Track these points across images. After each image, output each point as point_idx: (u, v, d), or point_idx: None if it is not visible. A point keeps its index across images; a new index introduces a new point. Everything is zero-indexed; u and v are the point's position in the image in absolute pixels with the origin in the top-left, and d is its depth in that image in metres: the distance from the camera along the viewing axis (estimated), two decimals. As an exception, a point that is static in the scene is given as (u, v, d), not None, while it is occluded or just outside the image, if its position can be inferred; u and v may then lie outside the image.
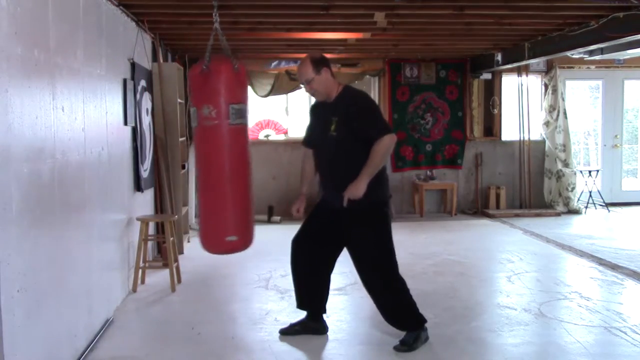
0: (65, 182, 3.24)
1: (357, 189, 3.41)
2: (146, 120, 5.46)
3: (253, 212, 3.42)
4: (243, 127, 3.26)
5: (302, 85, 3.71)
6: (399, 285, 3.61)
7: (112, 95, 4.37)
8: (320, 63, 3.56)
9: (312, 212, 3.83)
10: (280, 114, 8.98)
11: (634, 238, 7.08)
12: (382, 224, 3.56)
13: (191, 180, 7.72)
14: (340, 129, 3.53)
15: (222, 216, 3.29)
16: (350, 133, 3.50)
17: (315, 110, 3.82)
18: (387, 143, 3.45)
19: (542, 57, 7.04)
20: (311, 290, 3.84)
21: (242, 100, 3.25)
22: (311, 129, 3.84)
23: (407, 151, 8.88)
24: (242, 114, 3.23)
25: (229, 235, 3.29)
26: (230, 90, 3.20)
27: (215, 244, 3.37)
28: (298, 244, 3.80)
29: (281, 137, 8.99)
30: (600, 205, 9.07)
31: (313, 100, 3.86)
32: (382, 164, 3.52)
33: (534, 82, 9.20)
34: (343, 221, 3.58)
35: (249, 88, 8.65)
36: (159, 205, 5.91)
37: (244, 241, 3.38)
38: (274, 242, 7.01)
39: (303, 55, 3.76)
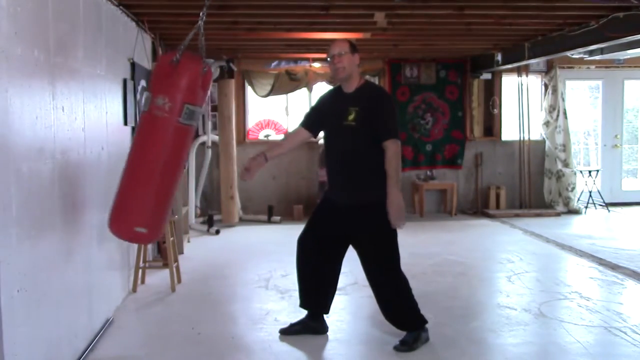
0: (65, 182, 3.24)
1: (397, 206, 3.44)
2: (146, 120, 5.45)
3: (169, 212, 3.45)
4: (190, 129, 3.26)
5: (328, 60, 3.65)
6: (403, 285, 3.62)
7: (112, 95, 4.37)
8: (355, 48, 3.62)
9: (317, 210, 3.83)
10: (280, 114, 8.99)
11: (634, 238, 7.08)
12: (388, 223, 3.56)
13: (191, 180, 7.73)
14: (360, 120, 3.52)
15: (141, 206, 3.26)
16: (370, 126, 3.52)
17: (329, 98, 3.78)
18: (396, 149, 3.51)
19: (542, 57, 7.05)
20: (315, 289, 3.84)
21: (199, 103, 3.24)
22: (319, 114, 3.79)
23: (407, 151, 8.88)
24: (194, 116, 3.22)
25: (139, 226, 3.25)
26: (190, 90, 3.18)
27: (122, 229, 3.32)
28: (303, 243, 3.79)
29: (281, 137, 8.99)
30: (600, 205, 9.08)
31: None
32: (400, 167, 3.57)
33: (534, 82, 9.20)
34: (349, 219, 3.57)
35: (249, 88, 8.69)
36: (159, 205, 5.90)
37: (150, 236, 3.37)
38: (274, 242, 7.03)
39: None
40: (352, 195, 3.55)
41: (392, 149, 3.50)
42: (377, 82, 8.86)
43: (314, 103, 3.94)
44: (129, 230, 3.30)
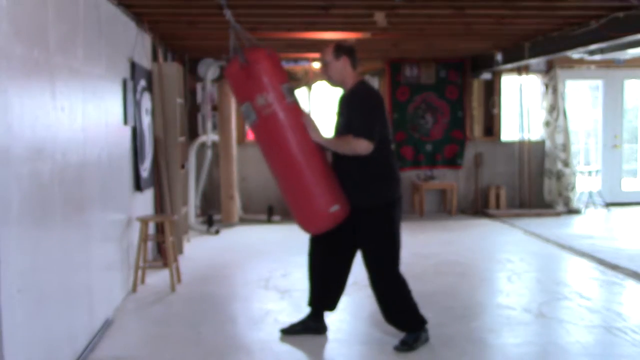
0: (65, 182, 3.24)
1: (313, 131, 3.42)
2: (146, 120, 5.46)
3: (335, 179, 3.50)
4: (297, 104, 3.43)
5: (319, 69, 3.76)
6: (401, 286, 3.62)
7: (112, 95, 4.37)
8: (342, 50, 3.58)
9: None
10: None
11: (634, 238, 7.08)
12: (387, 226, 3.55)
13: (191, 180, 7.73)
14: (344, 123, 3.54)
15: (318, 191, 3.36)
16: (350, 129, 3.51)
17: (339, 101, 3.79)
18: (357, 144, 3.41)
19: (542, 57, 7.04)
20: (326, 288, 3.84)
21: (287, 80, 3.43)
22: (336, 126, 3.80)
23: (407, 151, 8.88)
24: (292, 92, 3.41)
25: (331, 206, 3.36)
26: (275, 73, 3.34)
27: (320, 220, 3.41)
28: (315, 243, 3.79)
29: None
30: (600, 205, 9.07)
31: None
32: (334, 150, 3.50)
33: (534, 82, 9.20)
34: (352, 220, 3.57)
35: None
36: (159, 205, 5.91)
37: (345, 209, 3.45)
38: (274, 242, 7.03)
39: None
40: (350, 198, 3.55)
41: (351, 140, 3.41)
42: (377, 82, 8.87)
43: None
44: (327, 217, 3.38)
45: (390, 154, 3.63)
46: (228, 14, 3.47)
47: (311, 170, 3.38)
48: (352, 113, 3.51)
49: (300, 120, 3.42)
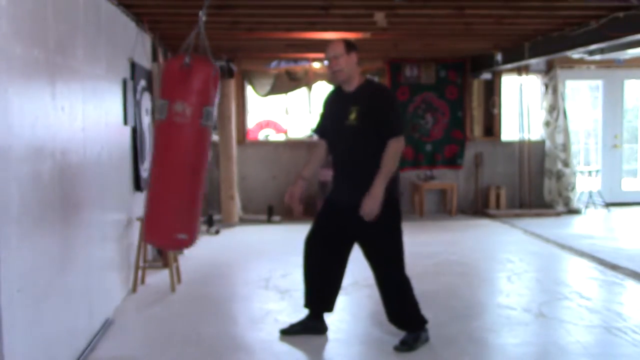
0: (65, 182, 3.24)
1: (375, 200, 3.40)
2: (146, 120, 5.46)
3: (200, 213, 3.50)
4: (209, 129, 3.35)
5: (325, 62, 3.71)
6: (406, 285, 3.62)
7: (112, 95, 4.37)
8: (351, 46, 3.59)
9: (322, 211, 3.82)
10: (280, 114, 8.99)
11: (634, 238, 7.08)
12: (392, 222, 3.56)
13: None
14: (361, 119, 3.51)
15: (178, 213, 3.32)
16: (372, 124, 3.50)
17: (331, 99, 3.78)
18: (397, 147, 3.49)
19: (542, 57, 7.04)
20: (321, 289, 3.83)
21: (214, 103, 3.32)
22: (325, 118, 3.79)
23: (407, 151, 8.85)
24: (211, 116, 3.32)
25: (180, 232, 3.33)
26: (207, 92, 3.25)
27: (163, 238, 3.40)
28: (311, 244, 3.78)
29: (281, 137, 8.99)
30: (600, 205, 9.08)
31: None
32: (395, 168, 3.52)
33: (534, 82, 9.20)
34: (355, 219, 3.55)
35: (249, 88, 8.70)
36: (159, 205, 5.90)
37: (190, 241, 3.43)
38: (274, 242, 7.03)
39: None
40: (357, 195, 3.53)
41: (393, 146, 3.48)
42: (377, 82, 8.87)
43: (320, 109, 3.92)
44: (169, 239, 3.36)
45: None
46: (202, 16, 3.45)
47: (186, 191, 3.33)
48: (386, 111, 3.52)
49: (203, 144, 3.34)
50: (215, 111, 3.36)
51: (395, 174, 3.60)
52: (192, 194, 3.35)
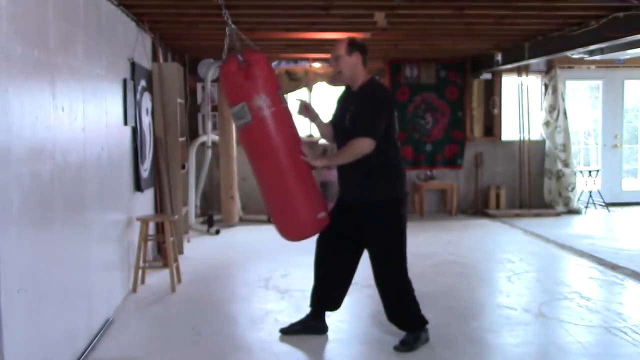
0: (65, 182, 3.24)
1: (313, 159, 3.46)
2: (146, 120, 5.46)
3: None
4: (289, 111, 3.48)
5: (330, 64, 3.76)
6: (407, 286, 3.62)
7: (112, 95, 4.37)
8: (355, 46, 3.57)
9: (333, 210, 3.82)
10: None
11: (634, 238, 7.08)
12: (395, 223, 3.55)
13: (191, 180, 7.73)
14: (352, 120, 3.51)
15: (309, 196, 3.41)
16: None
17: (341, 98, 3.76)
18: (359, 147, 3.41)
19: (542, 57, 7.04)
20: (330, 286, 3.84)
21: (280, 86, 3.47)
22: (334, 116, 3.77)
23: (407, 151, 8.87)
24: (285, 97, 3.46)
25: (318, 213, 3.41)
26: (273, 77, 3.40)
27: (307, 226, 3.43)
28: (322, 244, 3.79)
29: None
30: (600, 205, 9.07)
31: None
32: (346, 162, 3.50)
33: (534, 82, 9.20)
34: (358, 218, 3.56)
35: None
36: (159, 205, 5.91)
37: (329, 216, 3.51)
38: (274, 242, 6.99)
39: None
40: (358, 195, 3.55)
41: (354, 144, 3.42)
42: (377, 82, 8.87)
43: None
44: (313, 223, 3.41)
45: (396, 152, 3.64)
46: (226, 14, 3.47)
47: (300, 176, 3.38)
48: (360, 109, 3.48)
49: (292, 126, 3.46)
50: (283, 92, 3.48)
51: (400, 172, 3.60)
52: (307, 173, 3.43)
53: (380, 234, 3.56)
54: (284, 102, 3.40)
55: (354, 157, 3.45)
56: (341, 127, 3.60)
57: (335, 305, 3.89)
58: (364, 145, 3.41)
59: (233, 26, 3.44)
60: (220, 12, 3.56)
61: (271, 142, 3.33)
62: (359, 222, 3.58)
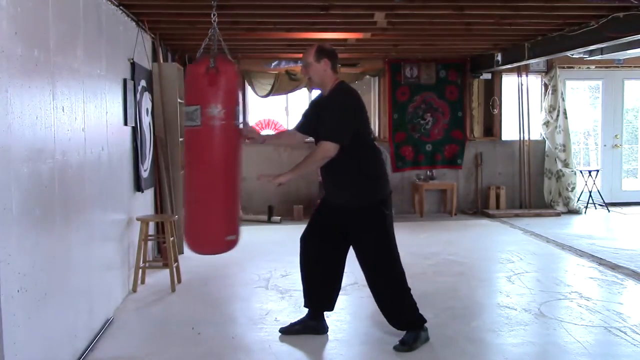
0: (65, 182, 3.24)
1: (279, 176, 3.49)
2: (146, 120, 5.46)
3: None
4: (239, 128, 3.38)
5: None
6: (400, 285, 3.62)
7: (112, 95, 4.37)
8: (323, 53, 3.59)
9: (317, 210, 3.84)
10: (280, 114, 8.98)
11: (634, 238, 7.08)
12: (380, 224, 3.56)
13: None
14: (321, 125, 3.56)
15: (227, 216, 3.34)
16: None
17: (315, 102, 3.81)
18: (324, 150, 3.43)
19: (542, 57, 7.05)
20: (319, 287, 3.84)
21: (239, 102, 3.37)
22: (306, 118, 3.79)
23: (407, 151, 8.88)
24: (239, 115, 3.35)
25: (230, 234, 3.35)
26: (235, 92, 3.32)
27: (215, 243, 3.39)
28: (306, 242, 3.80)
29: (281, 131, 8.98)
30: (600, 205, 9.07)
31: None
32: (311, 169, 3.56)
33: (534, 82, 9.20)
34: (342, 220, 3.59)
35: (249, 88, 8.69)
36: (159, 205, 5.91)
37: (237, 240, 3.46)
38: (274, 242, 7.03)
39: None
40: (340, 200, 3.60)
41: (318, 149, 3.45)
42: (377, 82, 8.88)
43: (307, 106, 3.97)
44: (221, 243, 3.36)
45: (376, 153, 3.65)
46: (215, 15, 3.47)
47: (228, 194, 3.35)
48: (325, 114, 3.52)
49: (235, 146, 3.35)
50: (238, 110, 3.40)
51: (380, 173, 3.63)
52: (234, 194, 3.38)
53: (365, 237, 3.58)
54: (236, 120, 3.31)
55: (320, 162, 3.49)
56: (316, 131, 3.64)
57: (328, 305, 3.88)
58: (326, 150, 3.44)
59: (217, 30, 3.44)
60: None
61: (211, 152, 3.28)
62: (344, 223, 3.60)
